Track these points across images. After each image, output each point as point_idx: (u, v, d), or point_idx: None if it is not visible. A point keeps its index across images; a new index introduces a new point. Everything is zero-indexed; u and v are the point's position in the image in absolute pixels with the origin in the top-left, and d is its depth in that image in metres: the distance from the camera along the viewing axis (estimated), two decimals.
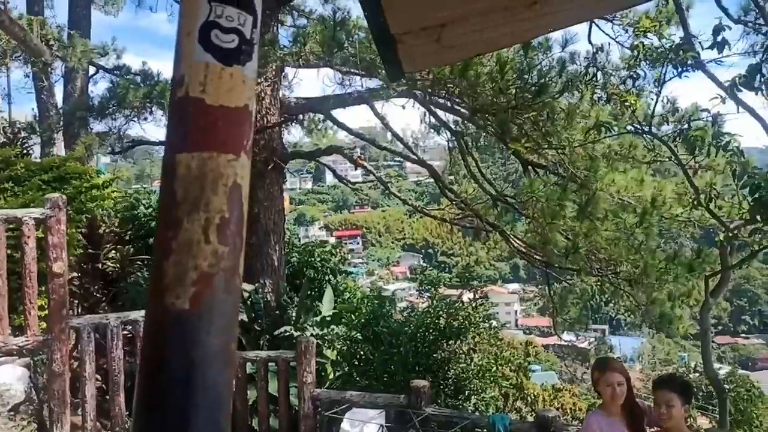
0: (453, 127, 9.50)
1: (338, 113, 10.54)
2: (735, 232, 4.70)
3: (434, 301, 7.20)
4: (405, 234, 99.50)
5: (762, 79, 3.79)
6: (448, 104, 8.71)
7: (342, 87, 8.81)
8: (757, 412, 7.18)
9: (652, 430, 3.44)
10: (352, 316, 7.19)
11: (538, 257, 9.21)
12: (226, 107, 0.92)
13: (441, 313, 6.87)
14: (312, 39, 8.15)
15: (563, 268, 9.09)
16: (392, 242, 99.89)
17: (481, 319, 7.17)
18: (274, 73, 9.22)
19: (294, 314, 7.67)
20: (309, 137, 12.65)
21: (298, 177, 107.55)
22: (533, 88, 6.87)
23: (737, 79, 3.88)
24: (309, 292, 8.81)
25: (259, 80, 8.98)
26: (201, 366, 0.86)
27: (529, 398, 11.33)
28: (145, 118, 10.11)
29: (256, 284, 8.23)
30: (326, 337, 7.04)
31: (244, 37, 0.96)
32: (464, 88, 7.49)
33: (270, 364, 6.20)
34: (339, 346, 7.02)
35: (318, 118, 11.91)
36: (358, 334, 6.98)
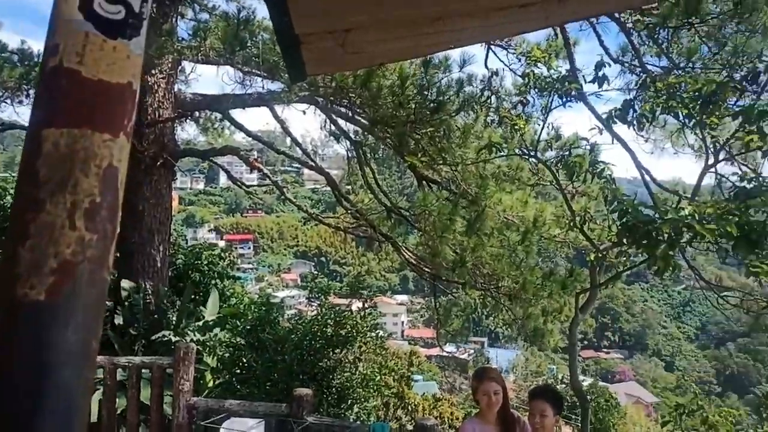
0: (353, 136, 9.55)
1: (236, 114, 10.22)
2: (604, 253, 5.10)
3: (323, 310, 7.13)
4: (298, 241, 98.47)
5: (634, 114, 4.17)
6: (349, 113, 8.74)
7: (242, 87, 8.57)
8: (613, 421, 7.86)
9: None
10: (237, 321, 6.95)
11: (427, 269, 9.46)
12: (105, 82, 0.83)
13: (329, 321, 6.82)
14: (213, 35, 7.87)
15: (450, 281, 9.41)
16: (285, 249, 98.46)
17: (368, 329, 7.20)
18: (170, 65, 8.79)
19: (174, 318, 7.28)
20: (204, 136, 12.17)
21: (190, 176, 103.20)
22: (432, 104, 7.07)
23: (613, 112, 4.24)
24: (193, 296, 8.42)
25: (153, 72, 8.51)
26: (54, 366, 0.75)
27: (409, 407, 11.54)
28: (20, 101, 9.27)
29: (135, 285, 7.74)
30: (208, 343, 6.75)
31: (132, 9, 0.87)
32: (366, 98, 7.56)
33: (144, 370, 5.84)
34: (221, 353, 6.75)
35: (215, 117, 11.49)
36: (242, 341, 6.76)
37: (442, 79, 7.50)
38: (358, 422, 6.06)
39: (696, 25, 5.66)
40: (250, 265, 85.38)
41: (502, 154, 5.57)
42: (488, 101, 7.24)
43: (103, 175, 0.83)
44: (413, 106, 7.12)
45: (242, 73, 8.35)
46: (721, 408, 6.58)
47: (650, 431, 12.99)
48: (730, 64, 5.29)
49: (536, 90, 5.92)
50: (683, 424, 6.27)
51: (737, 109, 3.93)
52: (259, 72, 8.06)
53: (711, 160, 4.42)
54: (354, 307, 7.92)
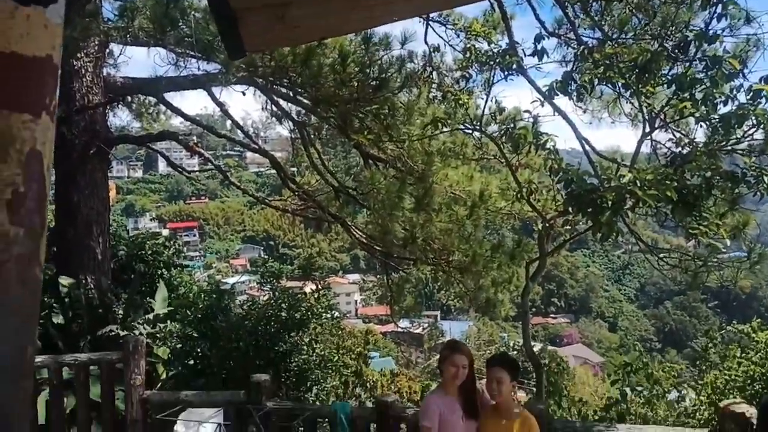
0: (295, 117, 9.37)
1: (172, 97, 9.79)
2: (551, 222, 5.23)
3: (276, 294, 7.04)
4: (245, 226, 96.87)
5: (574, 86, 4.25)
6: (290, 94, 8.56)
7: (176, 69, 8.21)
8: (565, 383, 8.17)
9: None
10: (188, 311, 6.78)
11: (378, 248, 9.47)
12: (19, 55, 0.74)
13: (283, 305, 6.75)
14: (142, 14, 7.50)
15: (401, 258, 9.46)
16: (231, 234, 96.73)
17: (323, 310, 7.17)
18: (96, 48, 8.35)
19: (121, 312, 7.04)
20: (138, 121, 11.67)
21: (127, 164, 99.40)
22: (374, 82, 7.01)
23: (554, 84, 4.31)
24: (141, 288, 8.15)
25: (78, 55, 8.07)
26: None
27: (368, 384, 11.64)
28: None
29: (75, 280, 7.42)
30: (158, 335, 6.57)
31: None
32: (306, 77, 7.41)
33: (92, 367, 5.64)
34: (173, 344, 6.58)
35: (149, 101, 11.03)
36: (194, 331, 6.61)
37: (383, 56, 7.44)
38: (318, 404, 6.07)
39: None
40: (197, 253, 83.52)
41: (446, 129, 5.59)
42: (430, 77, 7.23)
43: (25, 161, 0.74)
44: (355, 84, 7.04)
45: (175, 54, 7.99)
46: (663, 364, 6.94)
47: (598, 390, 13.58)
48: (660, 35, 5.44)
49: (478, 65, 5.96)
50: (629, 381, 6.58)
51: (670, 78, 4.07)
52: (193, 53, 7.75)
53: (647, 129, 4.57)
54: (307, 290, 7.86)
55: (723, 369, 6.37)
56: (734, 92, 4.19)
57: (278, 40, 2.79)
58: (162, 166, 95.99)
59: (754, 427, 3.24)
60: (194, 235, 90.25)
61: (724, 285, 6.32)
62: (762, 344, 5.89)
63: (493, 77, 5.48)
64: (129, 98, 10.12)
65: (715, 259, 5.53)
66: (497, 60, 5.22)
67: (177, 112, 10.32)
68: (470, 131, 6.82)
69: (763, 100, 3.94)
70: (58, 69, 0.81)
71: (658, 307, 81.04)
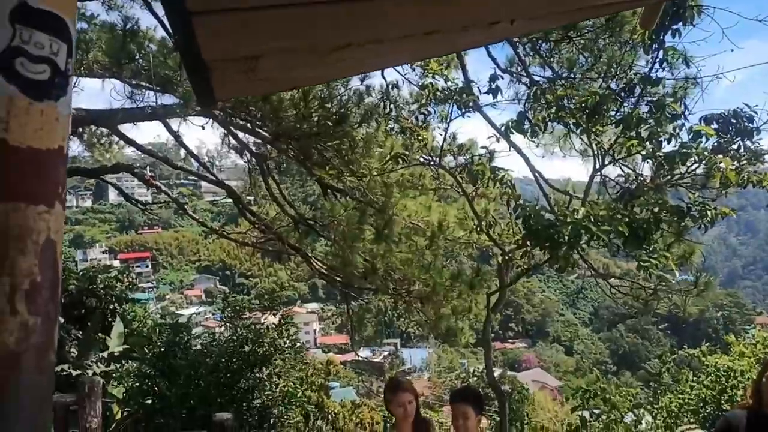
0: (254, 149, 9.36)
1: (127, 128, 9.64)
2: (510, 255, 5.38)
3: (239, 330, 6.92)
4: (200, 256, 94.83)
5: (528, 125, 4.45)
6: (249, 126, 8.57)
7: (132, 101, 8.12)
8: (526, 410, 8.30)
9: None
10: (145, 349, 6.60)
11: (338, 278, 9.46)
12: (35, 149, 0.77)
13: (246, 340, 6.64)
14: (96, 47, 7.44)
15: (362, 288, 9.47)
16: (186, 264, 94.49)
17: (287, 345, 7.09)
18: None
19: (75, 351, 6.80)
20: (90, 152, 11.41)
21: (75, 194, 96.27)
22: (334, 116, 7.11)
23: (510, 123, 4.50)
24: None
25: None
26: None
27: (329, 417, 11.48)
28: None
29: None
30: (114, 375, 6.36)
31: (57, 68, 0.82)
32: (267, 112, 7.46)
33: None
34: (130, 383, 6.38)
35: (101, 132, 10.81)
36: (152, 369, 6.43)
37: (343, 91, 7.56)
38: None
39: (574, 39, 6.11)
40: (150, 284, 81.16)
41: (407, 165, 5.72)
42: (389, 112, 7.39)
43: (41, 252, 0.76)
44: (316, 118, 7.12)
45: (131, 87, 7.92)
46: (620, 388, 7.15)
47: (558, 414, 13.79)
48: (606, 74, 5.76)
49: (435, 101, 6.15)
50: (588, 405, 6.74)
51: (618, 118, 4.32)
52: (150, 85, 7.70)
53: (597, 164, 4.80)
54: (269, 322, 7.75)
55: (676, 392, 6.61)
56: (677, 131, 4.49)
57: (248, 90, 2.86)
58: (113, 196, 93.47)
59: None
60: (147, 266, 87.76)
61: (674, 312, 6.60)
62: (712, 368, 6.15)
63: (451, 113, 5.68)
64: (80, 129, 9.91)
65: (664, 285, 5.79)
66: (454, 98, 5.40)
67: (131, 143, 10.15)
68: (428, 163, 6.98)
69: (703, 139, 4.22)
70: (68, 158, 0.84)
71: (611, 330, 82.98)
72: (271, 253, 10.67)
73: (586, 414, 6.91)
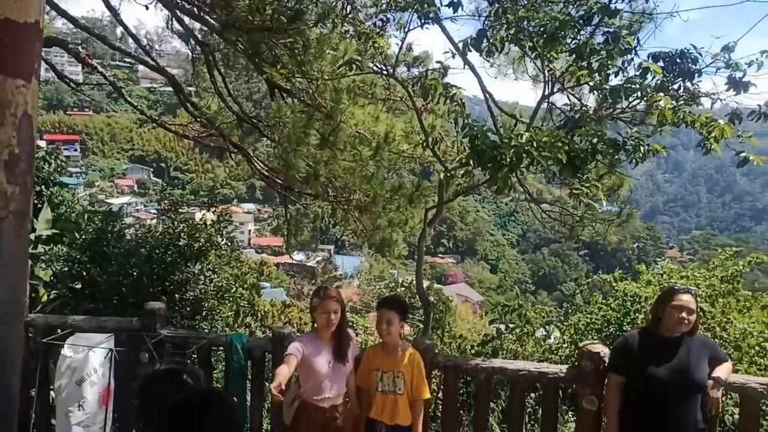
0: (200, 37, 8.86)
1: None
2: (451, 173, 5.50)
3: (175, 222, 6.85)
4: (134, 144, 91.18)
5: (487, 43, 4.43)
6: (196, 12, 8.06)
7: None
8: (448, 320, 8.83)
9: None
10: (76, 234, 6.45)
11: (279, 181, 9.40)
12: (13, 22, 0.73)
13: (182, 234, 6.60)
14: None
15: (302, 193, 9.48)
16: (118, 152, 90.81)
17: (224, 242, 7.11)
18: None
19: None
20: None
21: None
22: (289, 12, 6.78)
23: (468, 40, 4.46)
24: None
25: None
26: None
27: (259, 314, 11.77)
28: None
29: None
30: (42, 257, 6.23)
31: None
32: None
33: None
34: (59, 267, 6.28)
35: None
36: (82, 255, 6.33)
37: None
38: (213, 333, 6.12)
39: None
40: (78, 169, 77.83)
41: (360, 72, 5.61)
42: (347, 14, 7.12)
43: (19, 125, 0.75)
44: (270, 12, 6.78)
45: None
46: (535, 306, 7.68)
47: (476, 326, 14.71)
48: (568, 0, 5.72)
49: (395, 7, 5.96)
50: (505, 319, 7.24)
51: (573, 46, 4.36)
52: None
53: (547, 90, 4.88)
54: (198, 216, 7.69)
55: (585, 312, 7.18)
56: (625, 65, 4.59)
57: None
58: (42, 72, 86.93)
59: (606, 364, 3.78)
60: (75, 150, 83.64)
61: (595, 239, 7.03)
62: (621, 293, 6.67)
63: (410, 23, 5.54)
64: None
65: (590, 215, 6.13)
66: (415, 6, 5.26)
67: (63, 14, 9.36)
68: (381, 73, 6.86)
69: (650, 76, 4.35)
70: (43, 33, 0.80)
71: (536, 252, 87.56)
72: (211, 149, 10.41)
73: (502, 327, 7.43)
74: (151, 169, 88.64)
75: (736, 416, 4.11)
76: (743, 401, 3.71)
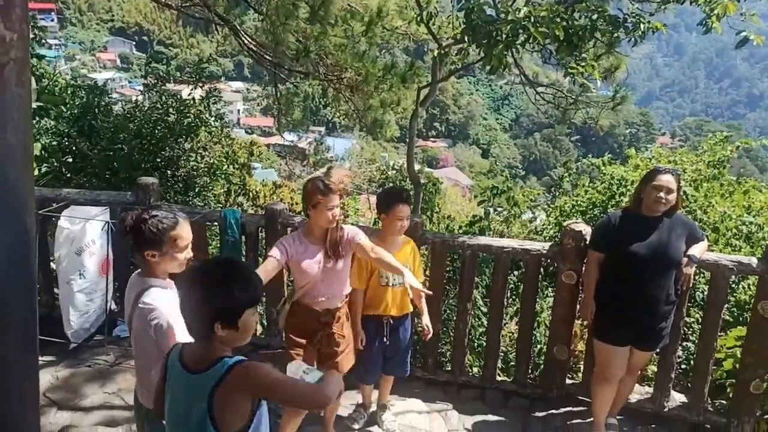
0: None
1: None
2: (447, 50, 5.33)
3: (163, 97, 6.68)
4: (113, 15, 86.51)
5: None
6: None
7: None
8: (438, 201, 9.00)
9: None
10: (63, 108, 6.32)
11: (267, 57, 9.09)
12: None
13: (171, 110, 6.47)
14: None
15: (292, 71, 9.21)
16: (97, 23, 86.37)
17: (213, 118, 7.00)
18: None
19: None
20: None
21: None
22: None
23: None
24: None
25: None
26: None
27: (251, 194, 11.90)
28: None
29: None
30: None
31: None
32: None
33: None
34: (47, 141, 6.21)
35: None
36: (71, 128, 6.24)
37: None
38: (206, 208, 6.22)
39: None
40: (56, 41, 74.37)
41: None
42: None
43: None
44: None
45: None
46: (524, 189, 7.80)
47: (465, 209, 15.00)
48: None
49: None
50: (493, 202, 7.38)
51: None
52: None
53: None
54: (185, 93, 7.52)
55: (572, 196, 7.31)
56: None
57: None
58: None
59: (587, 242, 3.93)
60: (52, 20, 79.16)
61: (588, 122, 7.00)
62: (608, 177, 6.75)
63: None
64: None
65: (585, 97, 6.06)
66: None
67: None
68: None
69: None
70: None
71: (528, 137, 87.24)
72: (196, 20, 9.92)
73: (491, 209, 7.59)
74: (134, 43, 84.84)
75: (707, 293, 4.32)
76: (713, 277, 3.91)
